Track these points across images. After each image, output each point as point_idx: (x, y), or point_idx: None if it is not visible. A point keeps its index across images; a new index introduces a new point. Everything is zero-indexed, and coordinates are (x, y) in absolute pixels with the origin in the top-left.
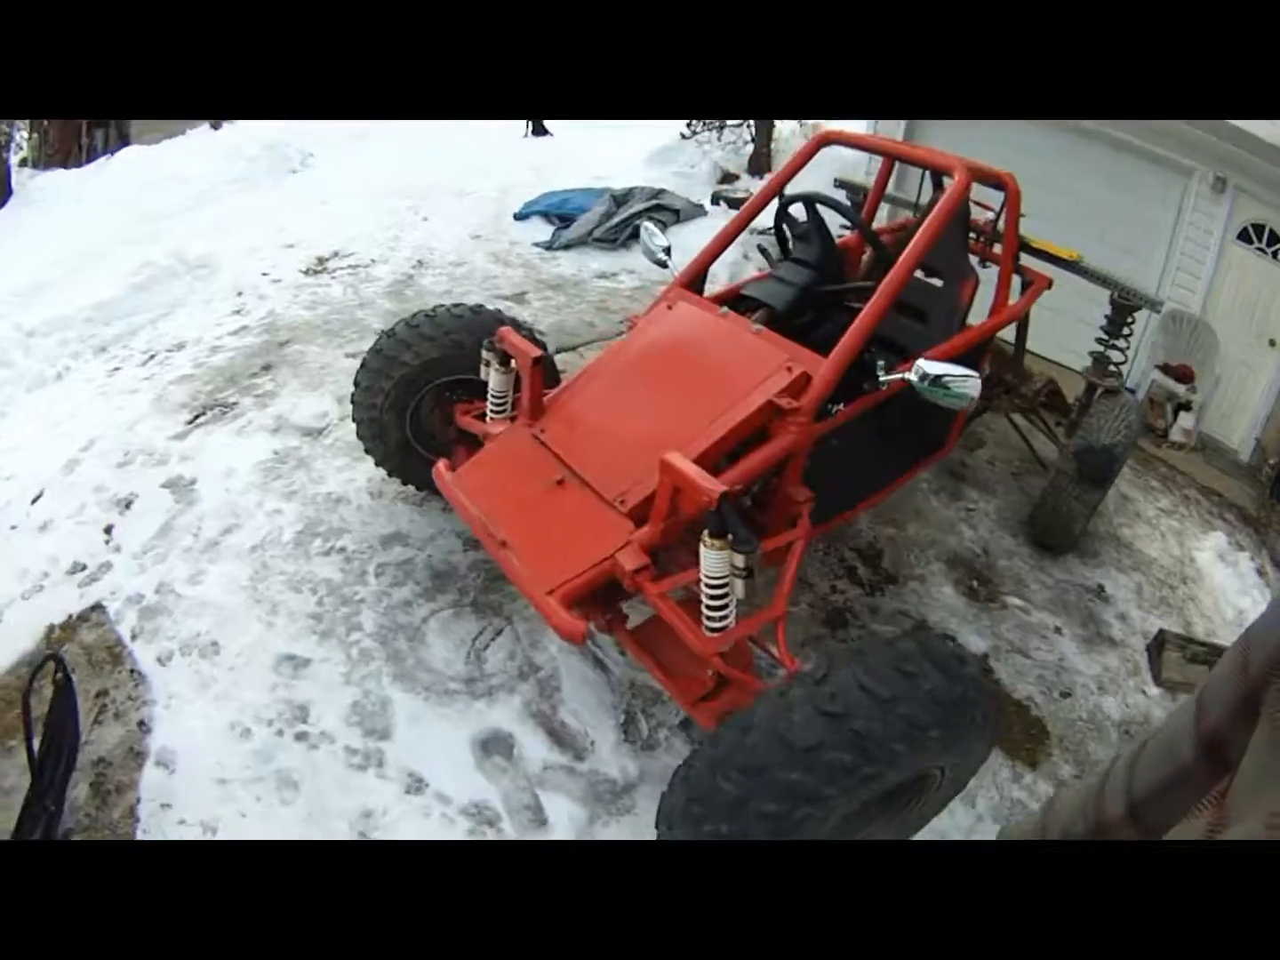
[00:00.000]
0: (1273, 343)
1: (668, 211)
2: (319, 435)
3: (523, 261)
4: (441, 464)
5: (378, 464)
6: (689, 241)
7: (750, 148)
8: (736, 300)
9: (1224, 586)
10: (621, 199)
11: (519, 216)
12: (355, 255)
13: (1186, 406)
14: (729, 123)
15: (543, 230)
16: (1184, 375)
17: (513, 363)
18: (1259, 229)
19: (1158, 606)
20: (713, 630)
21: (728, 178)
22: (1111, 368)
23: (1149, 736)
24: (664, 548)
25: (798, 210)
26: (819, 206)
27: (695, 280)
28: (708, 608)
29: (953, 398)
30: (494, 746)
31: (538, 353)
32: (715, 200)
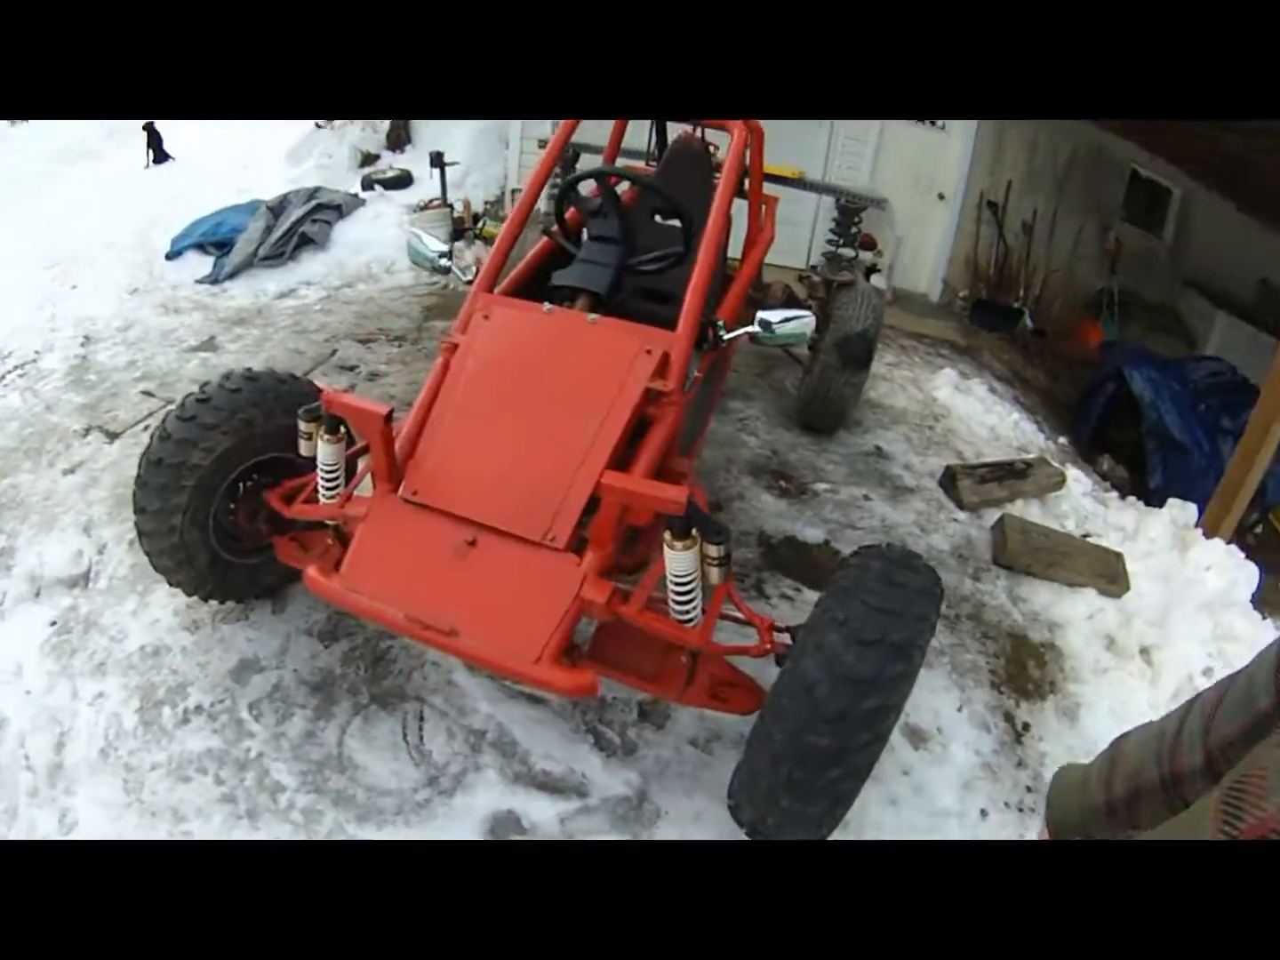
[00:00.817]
0: (941, 196)
1: (329, 209)
2: (87, 582)
3: (194, 304)
4: (313, 570)
5: (191, 593)
6: (364, 236)
7: (386, 124)
8: (549, 292)
9: (968, 413)
10: (277, 208)
11: (171, 255)
12: (17, 352)
13: (875, 269)
14: None
15: (202, 264)
16: (867, 244)
17: (342, 428)
18: None
19: (929, 448)
20: (687, 621)
21: (368, 159)
22: (844, 265)
23: (1226, 685)
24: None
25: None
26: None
27: (496, 283)
28: (679, 604)
29: (794, 337)
30: (503, 829)
31: (387, 408)
32: (368, 185)
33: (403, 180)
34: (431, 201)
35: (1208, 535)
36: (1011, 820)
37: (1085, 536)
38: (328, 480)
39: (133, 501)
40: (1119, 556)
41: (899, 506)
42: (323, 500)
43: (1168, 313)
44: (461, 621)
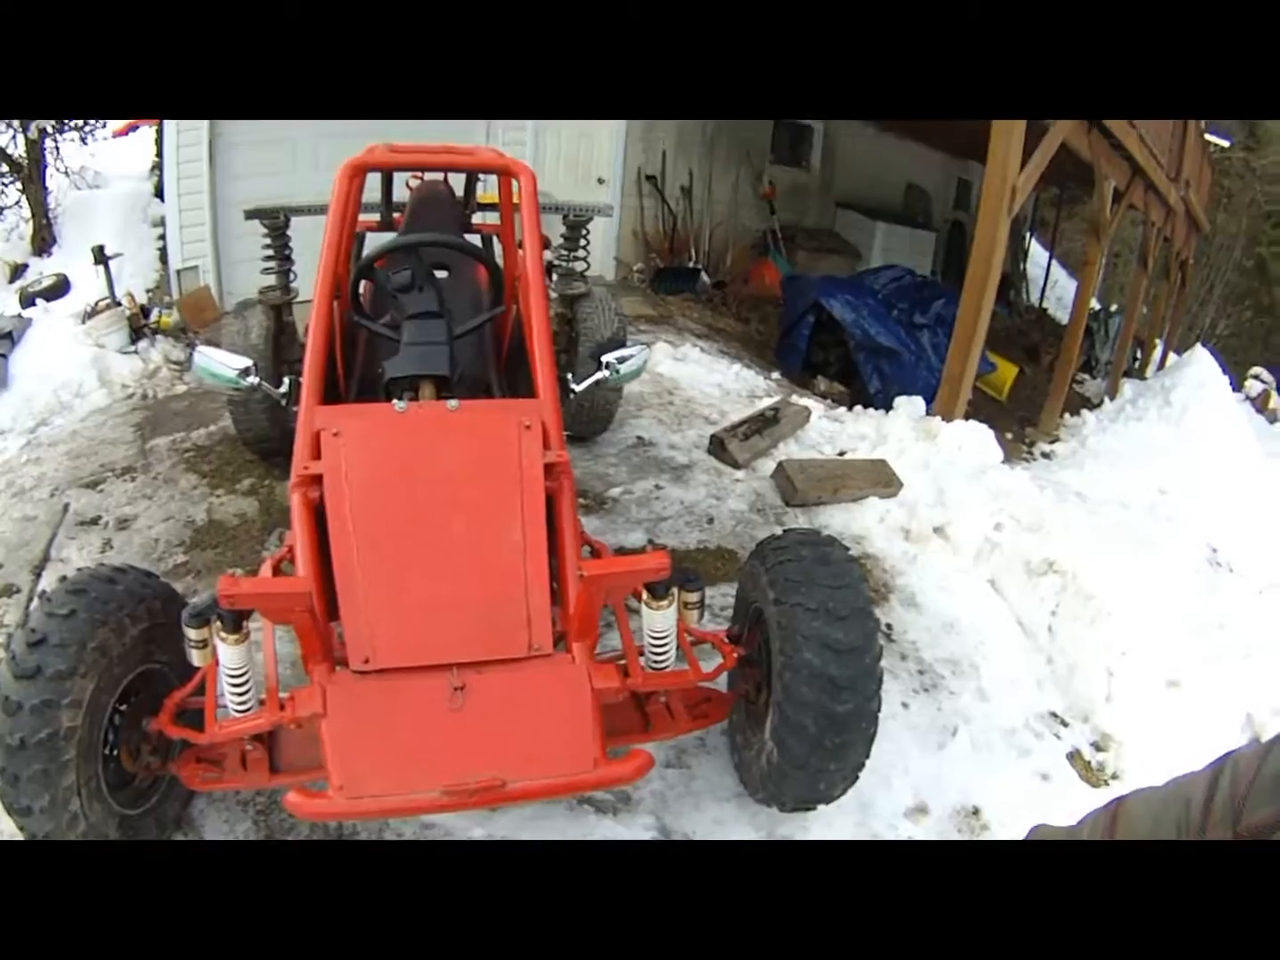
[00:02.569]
0: (601, 180)
1: (1, 339)
2: None
3: None
4: (295, 796)
5: None
6: (43, 361)
7: (28, 226)
8: (387, 387)
9: (694, 378)
10: None
11: None
12: None
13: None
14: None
15: None
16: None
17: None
18: None
19: (680, 422)
20: (664, 667)
21: (16, 271)
22: (576, 279)
23: (1263, 753)
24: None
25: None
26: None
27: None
28: (659, 655)
29: (635, 373)
30: None
31: (306, 584)
32: (27, 301)
33: (60, 287)
34: (99, 303)
35: (946, 419)
36: (929, 703)
37: (841, 454)
38: (238, 686)
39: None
40: (883, 462)
41: (688, 485)
42: (235, 710)
43: (829, 235)
44: (502, 767)
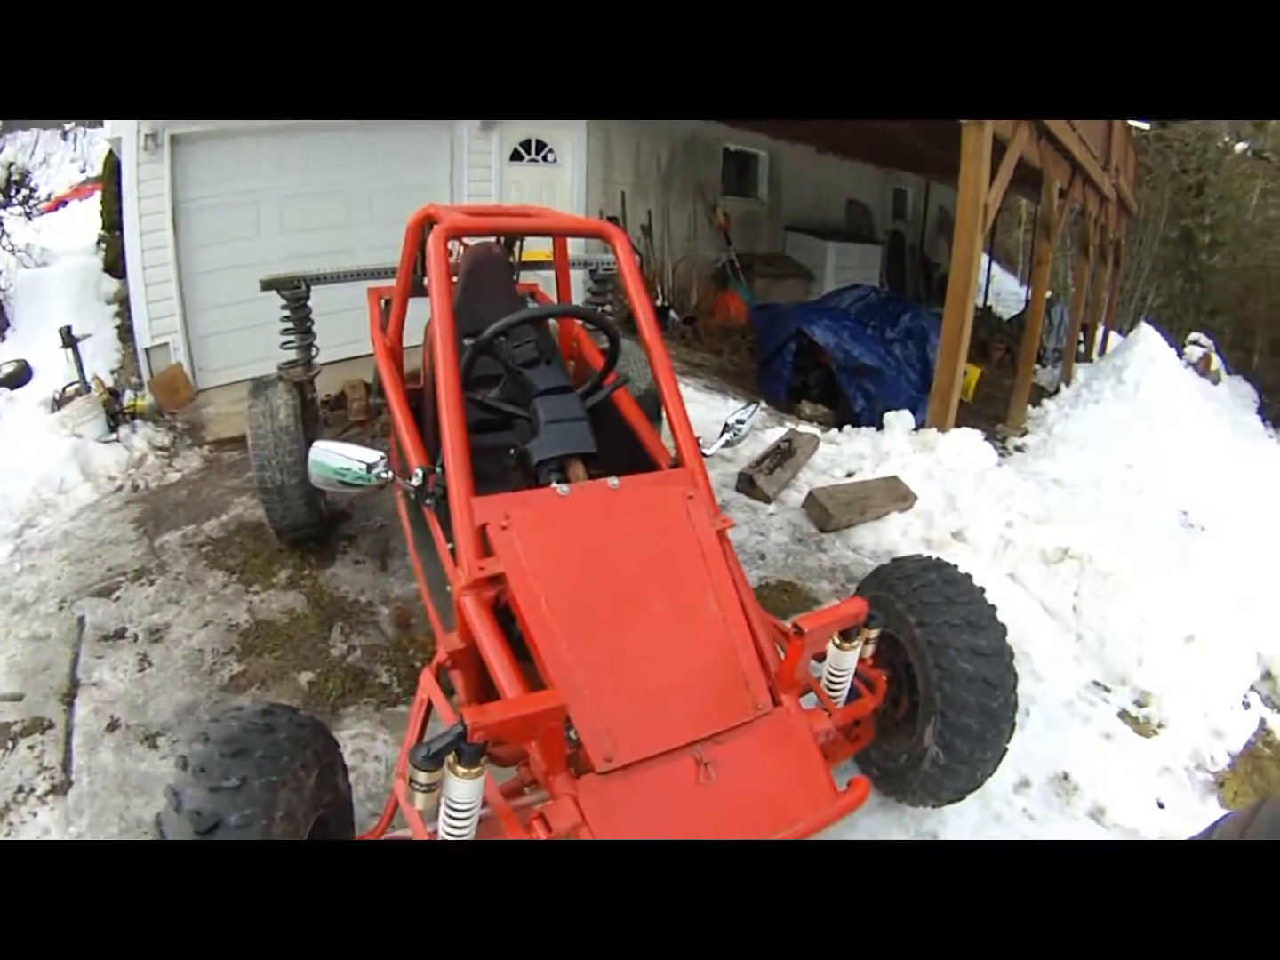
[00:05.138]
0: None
1: None
2: None
3: None
4: None
5: None
6: (15, 456)
7: None
8: (533, 472)
9: (698, 419)
10: None
11: None
12: None
13: None
14: None
15: None
16: None
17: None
18: (526, 145)
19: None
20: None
21: None
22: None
23: None
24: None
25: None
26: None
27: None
28: (836, 688)
29: (750, 430)
30: None
31: (559, 697)
32: None
33: (20, 374)
34: (68, 389)
35: (941, 430)
36: None
37: (849, 475)
38: (464, 820)
39: None
40: (896, 479)
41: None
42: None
43: (783, 260)
44: (761, 826)
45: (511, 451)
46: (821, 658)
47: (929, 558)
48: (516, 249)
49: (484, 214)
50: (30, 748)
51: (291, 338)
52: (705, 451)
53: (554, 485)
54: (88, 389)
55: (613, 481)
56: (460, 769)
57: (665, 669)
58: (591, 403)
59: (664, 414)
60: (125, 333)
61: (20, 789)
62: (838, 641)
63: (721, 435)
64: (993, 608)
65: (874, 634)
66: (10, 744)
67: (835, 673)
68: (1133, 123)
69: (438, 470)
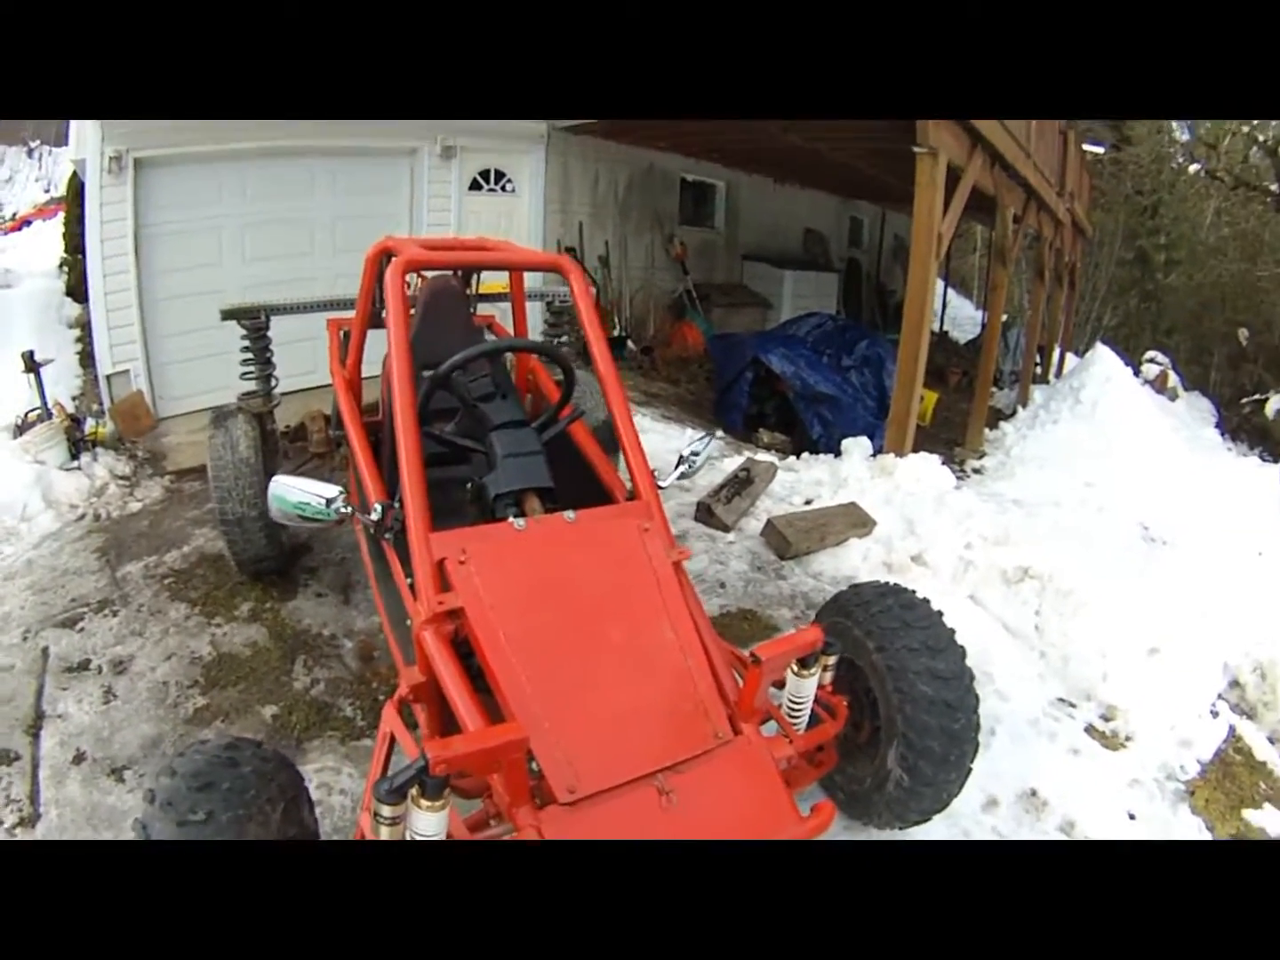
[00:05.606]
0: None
1: None
2: None
3: None
4: None
5: None
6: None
7: None
8: (490, 506)
9: (655, 448)
10: None
11: None
12: None
13: None
14: None
15: None
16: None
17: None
18: (485, 174)
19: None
20: (800, 727)
21: None
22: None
23: None
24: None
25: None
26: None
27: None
28: (796, 715)
29: (705, 463)
30: None
31: (521, 731)
32: None
33: None
34: (30, 415)
35: (899, 455)
36: None
37: (807, 503)
38: None
39: None
40: (855, 505)
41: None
42: None
43: (740, 290)
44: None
45: (469, 486)
46: (782, 685)
47: (886, 583)
48: (474, 281)
49: (442, 247)
50: None
51: (251, 368)
52: (661, 483)
53: (511, 519)
54: (49, 415)
55: (569, 515)
56: (424, 802)
57: (625, 699)
58: (548, 436)
59: (619, 446)
60: (87, 358)
61: None
62: (796, 669)
63: (677, 467)
64: (951, 631)
65: (832, 660)
66: None
67: (795, 699)
68: (1087, 147)
69: (395, 505)
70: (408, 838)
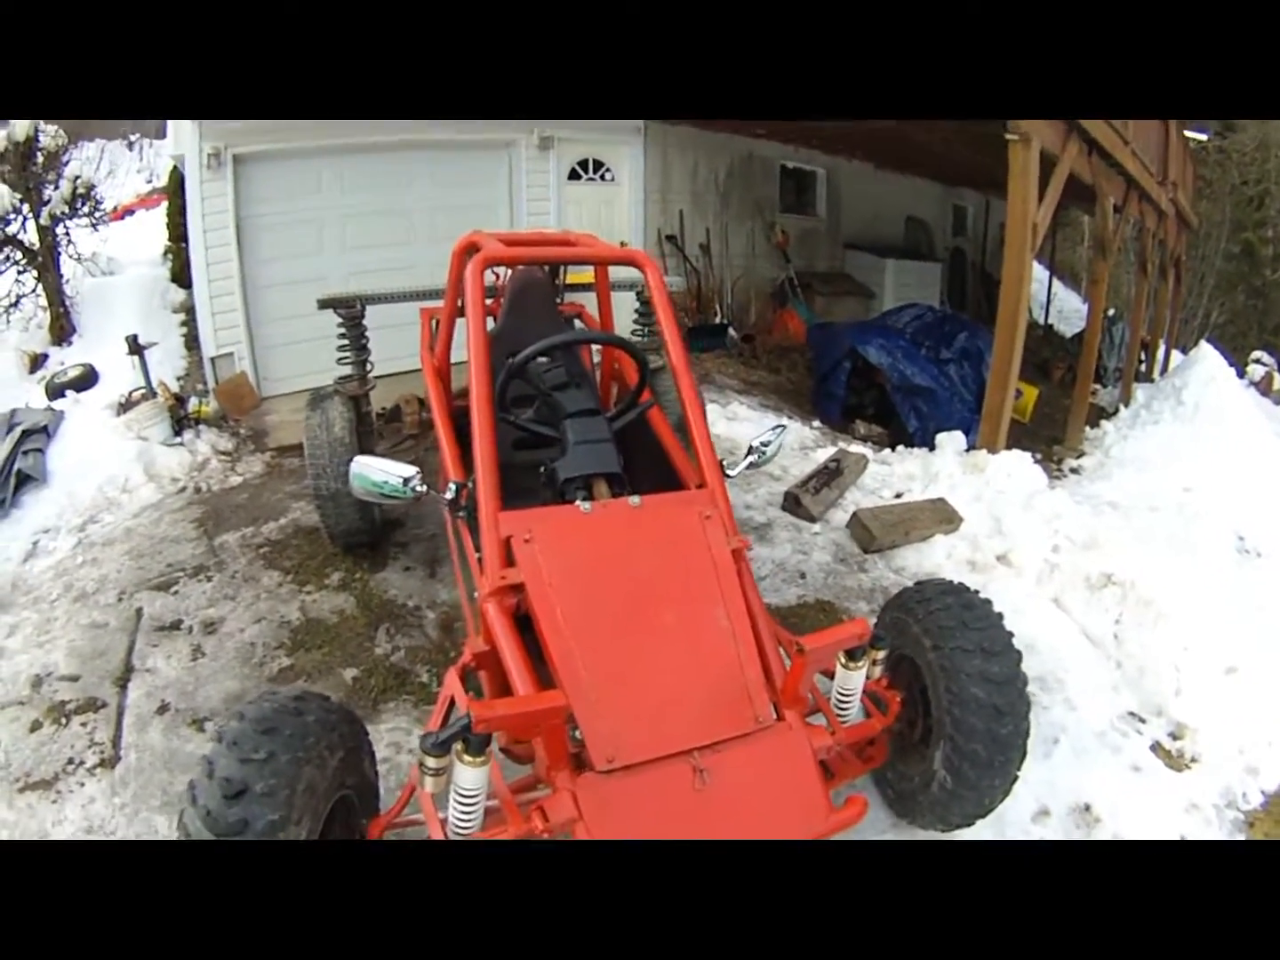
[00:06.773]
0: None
1: (36, 434)
2: None
3: None
4: None
5: None
6: (83, 455)
7: (45, 315)
8: (560, 489)
9: (750, 436)
10: None
11: None
12: None
13: None
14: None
15: None
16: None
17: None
18: (584, 164)
19: (749, 481)
20: (848, 720)
21: (36, 361)
22: (652, 354)
23: None
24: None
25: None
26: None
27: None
28: (844, 707)
29: (776, 453)
30: None
31: (561, 697)
32: (55, 393)
33: (87, 378)
34: (134, 394)
35: (992, 452)
36: (1031, 719)
37: (898, 496)
38: (471, 807)
39: None
40: (943, 501)
41: (773, 544)
42: (460, 830)
43: (842, 278)
44: (751, 835)
45: (542, 469)
46: (833, 676)
47: (949, 581)
48: (561, 273)
49: (521, 243)
50: (83, 724)
51: (347, 354)
52: (729, 473)
53: (578, 502)
54: (153, 394)
55: (634, 500)
56: (467, 757)
57: (670, 679)
58: (620, 424)
59: (689, 436)
60: (191, 341)
61: (70, 761)
62: (844, 661)
63: (746, 457)
64: (1009, 634)
65: (881, 655)
66: (64, 720)
67: (843, 691)
68: (1190, 134)
69: (469, 485)
70: (451, 791)
